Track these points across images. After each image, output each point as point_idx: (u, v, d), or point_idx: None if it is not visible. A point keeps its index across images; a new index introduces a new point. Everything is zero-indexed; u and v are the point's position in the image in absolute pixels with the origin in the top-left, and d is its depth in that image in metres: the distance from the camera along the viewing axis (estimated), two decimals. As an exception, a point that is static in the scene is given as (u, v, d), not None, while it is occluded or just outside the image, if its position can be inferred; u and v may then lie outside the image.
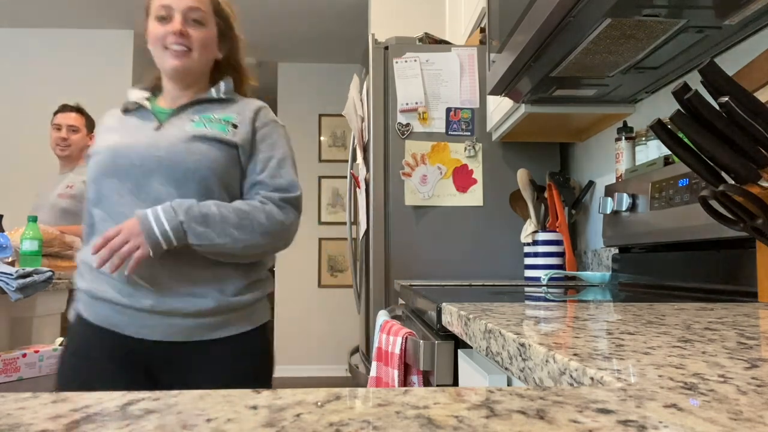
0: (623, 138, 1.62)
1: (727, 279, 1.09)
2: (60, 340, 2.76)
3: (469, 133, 2.13)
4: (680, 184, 1.22)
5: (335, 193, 5.16)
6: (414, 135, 2.11)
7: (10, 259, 2.56)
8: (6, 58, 4.60)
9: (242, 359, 1.25)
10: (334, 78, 5.21)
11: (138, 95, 1.34)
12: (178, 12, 1.26)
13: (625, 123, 1.64)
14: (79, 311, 1.24)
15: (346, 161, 4.96)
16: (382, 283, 2.08)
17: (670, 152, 1.27)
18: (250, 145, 1.27)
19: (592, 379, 0.34)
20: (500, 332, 0.53)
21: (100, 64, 4.59)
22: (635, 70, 1.38)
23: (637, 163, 1.56)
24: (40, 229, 2.18)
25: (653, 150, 1.49)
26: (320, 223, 5.14)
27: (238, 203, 1.21)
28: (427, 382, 1.00)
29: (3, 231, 2.31)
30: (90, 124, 2.82)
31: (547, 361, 0.41)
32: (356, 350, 2.60)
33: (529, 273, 1.96)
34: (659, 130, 0.78)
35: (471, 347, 0.84)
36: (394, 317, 1.47)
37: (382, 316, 1.42)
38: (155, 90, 1.37)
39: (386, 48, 2.15)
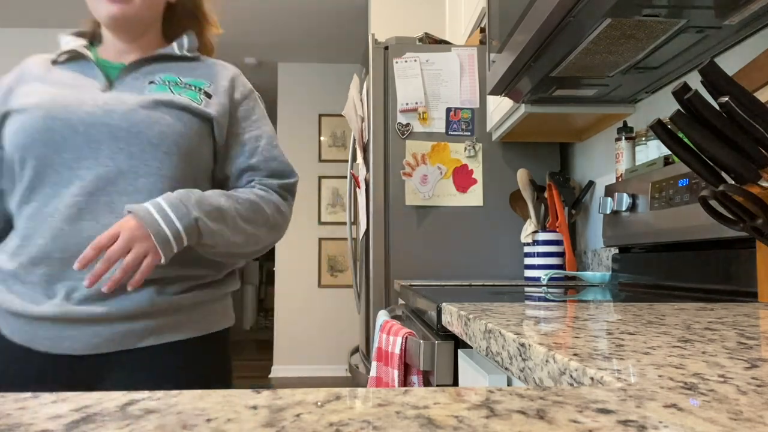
0: (623, 138, 1.62)
1: (727, 279, 1.09)
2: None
3: (469, 133, 2.13)
4: (680, 184, 1.22)
5: (335, 193, 5.16)
6: (414, 135, 2.11)
7: None
8: (7, 59, 4.60)
9: (187, 373, 1.00)
10: (334, 78, 5.21)
11: (74, 42, 1.07)
12: None
13: (625, 123, 1.64)
14: None
15: (346, 161, 4.96)
16: (382, 283, 2.08)
17: (670, 152, 1.27)
18: (227, 122, 1.07)
19: (592, 379, 0.34)
20: (500, 332, 0.53)
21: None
22: (635, 70, 1.38)
23: (637, 163, 1.56)
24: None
25: (653, 150, 1.49)
26: (320, 223, 5.14)
27: (244, 193, 1.03)
28: (427, 382, 1.00)
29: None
30: None
31: (547, 361, 0.41)
32: (356, 350, 2.60)
33: (529, 273, 1.96)
34: (659, 130, 0.78)
35: (471, 347, 0.84)
36: (394, 317, 1.47)
37: (382, 316, 1.42)
38: (94, 39, 1.11)
39: (386, 48, 2.15)
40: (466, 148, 2.11)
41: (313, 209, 5.14)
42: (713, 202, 0.78)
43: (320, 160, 5.18)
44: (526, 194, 1.99)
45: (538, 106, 1.70)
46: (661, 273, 1.33)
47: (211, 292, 1.05)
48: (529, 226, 1.97)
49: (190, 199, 0.94)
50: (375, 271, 2.08)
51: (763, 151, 0.70)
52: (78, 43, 1.07)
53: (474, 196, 2.11)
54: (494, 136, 2.08)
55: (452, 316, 0.78)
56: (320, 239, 5.12)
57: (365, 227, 2.24)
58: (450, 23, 3.23)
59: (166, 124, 0.99)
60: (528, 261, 1.96)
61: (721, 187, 0.72)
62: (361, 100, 2.42)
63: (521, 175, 2.00)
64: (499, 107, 1.92)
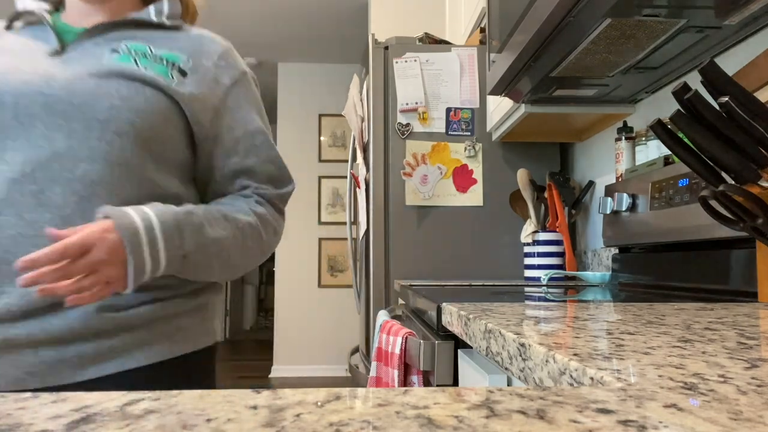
0: (623, 138, 1.62)
1: (727, 279, 1.09)
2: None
3: (469, 133, 2.13)
4: (680, 184, 1.22)
5: (335, 193, 5.16)
6: (414, 135, 2.11)
7: None
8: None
9: None
10: (334, 78, 5.21)
11: (32, 4, 0.89)
12: None
13: (625, 123, 1.64)
14: None
15: (346, 161, 4.96)
16: (382, 283, 2.08)
17: (670, 152, 1.27)
18: (212, 109, 0.87)
19: (592, 379, 0.34)
20: (500, 332, 0.53)
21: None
22: (635, 70, 1.38)
23: (637, 163, 1.56)
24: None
25: (653, 150, 1.49)
26: (320, 223, 5.14)
27: (245, 214, 0.86)
28: (427, 382, 1.00)
29: None
30: None
31: (547, 361, 0.41)
32: (356, 350, 2.60)
33: (529, 273, 1.96)
34: (659, 130, 0.78)
35: (471, 347, 0.84)
36: (394, 317, 1.47)
37: (382, 316, 1.42)
38: (60, 4, 0.94)
39: (386, 48, 2.15)
40: (466, 148, 2.11)
41: (313, 209, 5.14)
42: (713, 202, 0.78)
43: (320, 160, 5.18)
44: (526, 194, 1.99)
45: (538, 106, 1.70)
46: (661, 273, 1.33)
47: (180, 302, 0.84)
48: (529, 226, 1.97)
49: (187, 225, 0.77)
50: (375, 271, 2.08)
51: (763, 151, 0.70)
52: (37, 6, 0.88)
53: (474, 196, 2.11)
54: (494, 136, 2.08)
55: (452, 316, 0.78)
56: (320, 239, 5.12)
57: (365, 227, 2.24)
58: (450, 23, 3.23)
59: (121, 98, 0.78)
60: (528, 261, 1.96)
61: (721, 187, 0.72)
62: (361, 100, 2.42)
63: (521, 175, 2.00)
64: (499, 107, 1.92)
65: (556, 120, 1.84)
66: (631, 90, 1.57)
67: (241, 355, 6.29)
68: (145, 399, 0.28)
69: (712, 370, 0.34)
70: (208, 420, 0.24)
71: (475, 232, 2.11)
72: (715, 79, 0.70)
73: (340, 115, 5.13)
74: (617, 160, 1.64)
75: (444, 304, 0.87)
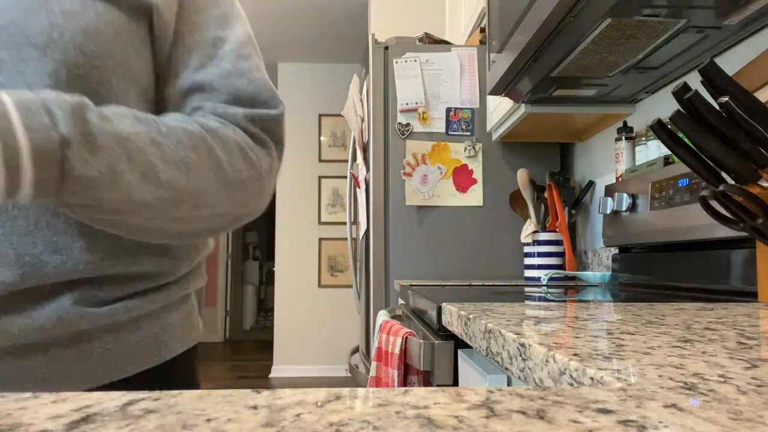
0: (623, 138, 1.62)
1: (727, 279, 1.09)
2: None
3: (469, 133, 2.13)
4: (680, 184, 1.22)
5: (335, 193, 5.16)
6: (414, 135, 2.11)
7: None
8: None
9: None
10: (334, 78, 5.21)
11: None
12: None
13: (625, 123, 1.64)
14: None
15: (346, 161, 4.96)
16: (382, 283, 2.08)
17: (670, 152, 1.27)
18: (174, 15, 0.67)
19: (592, 379, 0.34)
20: (500, 332, 0.53)
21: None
22: (635, 70, 1.38)
23: (637, 163, 1.56)
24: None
25: (653, 150, 1.49)
26: (320, 223, 5.14)
27: (173, 118, 0.62)
28: (427, 382, 1.00)
29: None
30: None
31: (547, 361, 0.41)
32: (356, 350, 2.60)
33: (529, 273, 1.96)
34: (659, 130, 0.78)
35: (471, 347, 0.84)
36: (394, 317, 1.47)
37: (382, 316, 1.42)
38: None
39: (386, 48, 2.15)
40: (466, 148, 2.11)
41: (313, 209, 5.14)
42: (713, 202, 0.78)
43: (320, 160, 5.18)
44: (526, 194, 1.99)
45: (538, 106, 1.70)
46: (661, 273, 1.33)
47: (166, 294, 0.69)
48: (529, 226, 1.97)
49: (61, 103, 0.51)
50: (375, 271, 2.08)
51: (763, 151, 0.70)
52: None
53: (474, 196, 2.11)
54: (494, 136, 2.08)
55: (452, 316, 0.78)
56: (320, 239, 5.12)
57: (365, 227, 2.24)
58: (450, 23, 3.23)
59: (63, 13, 0.59)
60: (528, 261, 1.96)
61: (721, 187, 0.72)
62: (361, 100, 2.42)
63: (521, 175, 2.00)
64: (499, 107, 1.92)
65: (556, 120, 1.84)
66: (631, 90, 1.57)
67: (241, 355, 6.30)
68: (145, 399, 0.28)
69: (712, 370, 0.34)
70: (208, 420, 0.24)
71: (475, 232, 2.11)
72: (715, 79, 0.70)
73: (340, 115, 5.13)
74: (617, 160, 1.64)
75: (444, 304, 0.87)
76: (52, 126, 0.50)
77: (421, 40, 2.30)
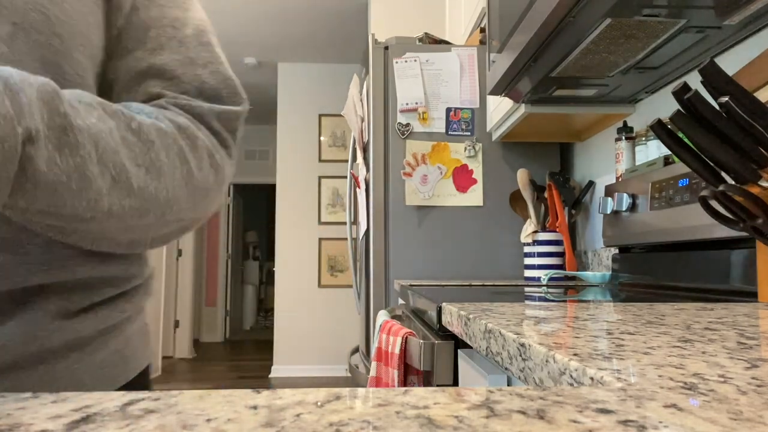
0: (623, 138, 1.62)
1: (727, 279, 1.09)
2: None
3: (469, 133, 2.13)
4: (680, 184, 1.22)
5: (335, 193, 5.16)
6: (414, 135, 2.11)
7: None
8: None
9: None
10: (334, 78, 5.22)
11: None
12: None
13: (625, 123, 1.64)
14: None
15: (346, 161, 4.96)
16: (382, 283, 2.08)
17: (670, 152, 1.27)
18: None
19: (592, 379, 0.34)
20: (500, 332, 0.53)
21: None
22: (635, 70, 1.38)
23: (637, 163, 1.56)
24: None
25: (653, 150, 1.49)
26: (320, 223, 5.14)
27: (138, 109, 0.54)
28: (427, 382, 1.00)
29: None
30: None
31: (547, 361, 0.41)
32: (356, 350, 2.60)
33: (529, 273, 1.96)
34: (659, 130, 0.78)
35: (471, 347, 0.84)
36: (394, 317, 1.47)
37: (382, 316, 1.42)
38: None
39: (386, 48, 2.15)
40: (466, 148, 2.11)
41: (313, 209, 5.14)
42: (713, 202, 0.78)
43: (320, 160, 5.18)
44: (526, 194, 1.99)
45: (538, 106, 1.70)
46: (661, 273, 1.33)
47: (125, 305, 0.61)
48: (529, 226, 1.97)
49: (29, 90, 0.43)
50: (375, 271, 2.08)
51: (763, 151, 0.70)
52: None
53: (474, 196, 2.11)
54: (494, 136, 2.08)
55: (452, 316, 0.78)
56: (320, 239, 5.12)
57: (365, 227, 2.24)
58: (450, 23, 3.23)
59: None
60: (528, 261, 1.96)
61: (721, 187, 0.72)
62: (361, 100, 2.42)
63: (521, 175, 2.00)
64: (499, 107, 1.92)
65: (556, 120, 1.84)
66: (631, 90, 1.57)
67: (241, 355, 6.30)
68: (145, 399, 0.28)
69: (712, 370, 0.34)
70: (208, 420, 0.24)
71: (475, 232, 2.11)
72: (715, 79, 0.70)
73: (340, 115, 5.13)
74: (617, 160, 1.64)
75: (444, 304, 0.87)
76: (15, 116, 0.41)
77: (421, 40, 2.30)
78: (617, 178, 1.63)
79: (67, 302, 0.54)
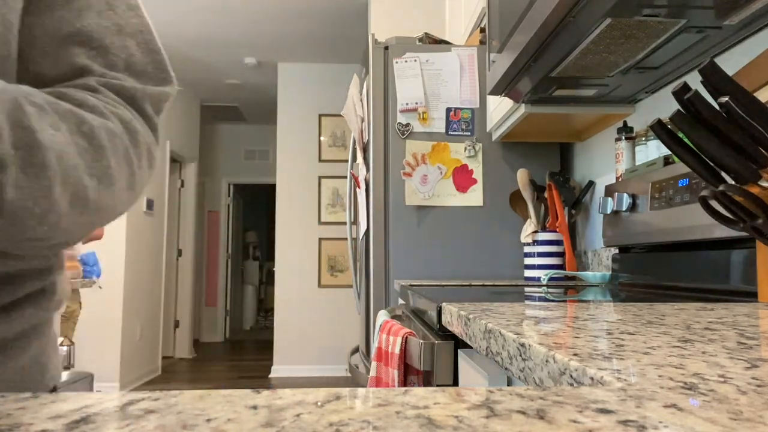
0: (623, 138, 1.62)
1: (727, 279, 1.09)
2: (60, 339, 2.76)
3: (469, 133, 2.13)
4: (680, 184, 1.22)
5: (335, 193, 5.16)
6: (414, 135, 2.11)
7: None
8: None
9: None
10: (334, 78, 5.22)
11: None
12: None
13: (625, 123, 1.64)
14: None
15: (346, 161, 4.96)
16: (382, 283, 2.08)
17: (670, 152, 1.27)
18: None
19: (592, 379, 0.34)
20: (500, 332, 0.53)
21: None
22: (635, 70, 1.38)
23: (637, 163, 1.56)
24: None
25: (653, 150, 1.49)
26: (320, 223, 5.14)
27: (79, 101, 0.48)
28: (427, 382, 1.00)
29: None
30: None
31: (547, 361, 0.41)
32: (356, 350, 2.60)
33: (529, 273, 1.96)
34: (659, 130, 0.78)
35: (471, 347, 0.84)
36: (394, 317, 1.47)
37: (382, 316, 1.42)
38: None
39: (386, 48, 2.15)
40: (466, 148, 2.11)
41: (313, 209, 5.14)
42: (713, 202, 0.78)
43: (320, 160, 5.18)
44: (526, 194, 1.99)
45: (538, 106, 1.70)
46: (661, 273, 1.33)
47: (54, 300, 0.56)
48: (529, 226, 1.97)
49: None
50: (375, 271, 2.08)
51: (763, 151, 0.70)
52: None
53: (474, 196, 2.11)
54: (494, 136, 2.08)
55: (452, 316, 0.78)
56: (320, 239, 5.12)
57: (365, 227, 2.24)
58: (450, 23, 3.23)
59: None
60: (528, 261, 1.96)
61: (721, 187, 0.72)
62: (361, 100, 2.42)
63: (521, 175, 2.00)
64: (499, 107, 1.92)
65: (556, 120, 1.84)
66: (631, 90, 1.57)
67: (241, 355, 6.30)
68: (145, 399, 0.28)
69: (712, 370, 0.34)
70: (208, 420, 0.24)
71: (475, 232, 2.11)
72: (715, 79, 0.70)
73: (340, 115, 5.13)
74: (617, 160, 1.64)
75: (444, 304, 0.86)
76: None
77: (421, 40, 2.30)
78: (617, 178, 1.63)
79: None
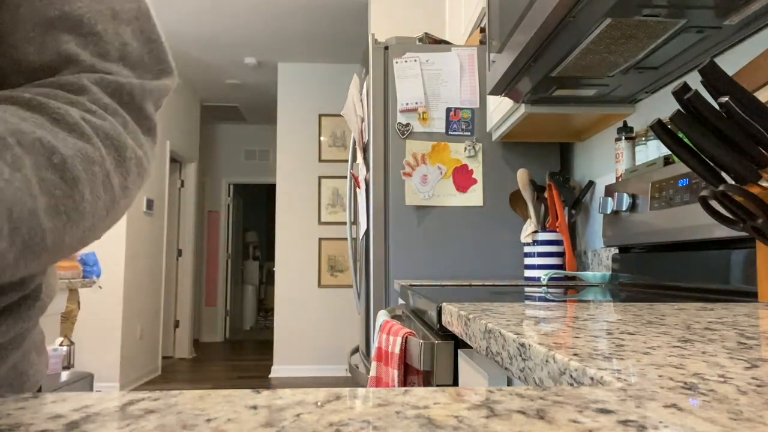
0: (623, 138, 1.62)
1: (727, 279, 1.09)
2: (60, 339, 2.76)
3: (469, 133, 2.13)
4: (680, 184, 1.22)
5: (335, 193, 5.16)
6: (414, 135, 2.11)
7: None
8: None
9: None
10: (334, 78, 5.22)
11: None
12: None
13: (625, 123, 1.64)
14: None
15: (346, 161, 4.97)
16: (382, 283, 2.08)
17: (670, 152, 1.27)
18: None
19: (592, 379, 0.34)
20: (500, 332, 0.53)
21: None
22: (635, 70, 1.38)
23: (637, 163, 1.56)
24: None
25: (653, 150, 1.49)
26: (320, 223, 5.14)
27: (56, 113, 0.42)
28: (427, 382, 1.00)
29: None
30: None
31: (547, 361, 0.41)
32: (356, 350, 2.60)
33: (529, 273, 1.96)
34: (659, 130, 0.78)
35: (471, 347, 0.84)
36: (394, 317, 1.47)
37: (382, 316, 1.42)
38: None
39: (386, 48, 2.15)
40: (466, 148, 2.11)
41: (313, 209, 5.14)
42: (713, 202, 0.78)
43: (320, 160, 5.18)
44: (526, 194, 1.99)
45: (538, 106, 1.70)
46: (661, 273, 1.33)
47: (37, 307, 0.52)
48: (529, 226, 1.97)
49: None
50: (375, 271, 2.08)
51: (763, 151, 0.70)
52: None
53: (474, 196, 2.11)
54: (494, 136, 2.08)
55: (452, 316, 0.78)
56: (320, 239, 5.12)
57: (365, 227, 2.24)
58: (450, 23, 3.23)
59: None
60: (528, 261, 1.96)
61: (721, 187, 0.72)
62: (361, 100, 2.42)
63: (521, 175, 2.00)
64: (499, 107, 1.92)
65: (556, 120, 1.84)
66: (631, 90, 1.57)
67: (241, 355, 6.30)
68: (145, 399, 0.28)
69: (712, 370, 0.34)
70: (208, 420, 0.24)
71: (475, 232, 2.11)
72: (715, 79, 0.70)
73: (340, 115, 5.13)
74: (617, 160, 1.64)
75: (444, 304, 0.86)
76: None
77: (421, 40, 2.30)
78: (617, 178, 1.63)
79: None
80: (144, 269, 4.88)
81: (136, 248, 4.67)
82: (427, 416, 0.25)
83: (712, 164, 0.76)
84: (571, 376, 0.36)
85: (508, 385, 0.68)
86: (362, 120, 2.37)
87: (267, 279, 9.63)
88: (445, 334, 0.94)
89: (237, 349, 6.73)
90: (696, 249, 1.21)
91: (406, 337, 1.07)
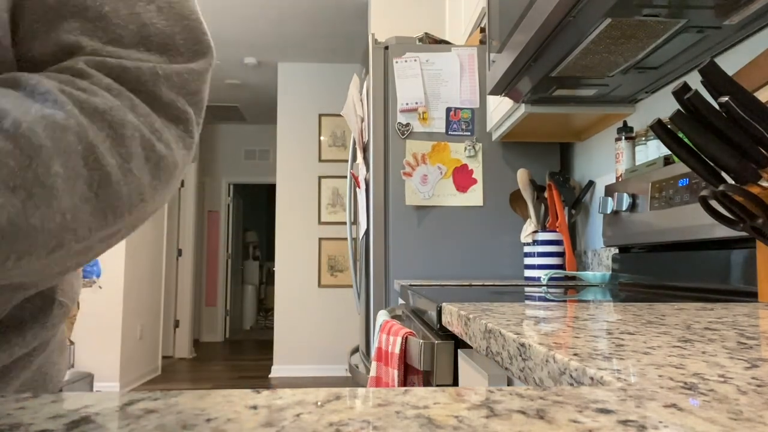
0: (623, 138, 1.62)
1: (727, 279, 1.09)
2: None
3: (469, 133, 2.13)
4: (680, 184, 1.22)
5: (335, 193, 5.16)
6: (414, 135, 2.11)
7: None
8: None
9: None
10: (334, 78, 5.22)
11: None
12: None
13: (625, 123, 1.64)
14: None
15: (346, 161, 4.97)
16: (382, 283, 2.08)
17: (670, 152, 1.27)
18: None
19: (592, 379, 0.34)
20: (500, 332, 0.53)
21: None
22: (635, 70, 1.38)
23: (637, 163, 1.56)
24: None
25: (653, 150, 1.49)
26: (320, 223, 5.14)
27: (29, 91, 0.37)
28: (427, 382, 1.00)
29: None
30: None
31: (547, 361, 0.41)
32: (356, 350, 2.60)
33: (529, 273, 1.96)
34: (659, 130, 0.78)
35: (471, 347, 0.84)
36: (394, 317, 1.47)
37: (382, 316, 1.42)
38: None
39: (386, 48, 2.15)
40: (466, 148, 2.11)
41: (313, 209, 5.14)
42: (713, 202, 0.78)
43: (320, 160, 5.18)
44: (526, 194, 1.99)
45: (538, 106, 1.70)
46: (661, 273, 1.33)
47: (55, 323, 0.50)
48: (529, 226, 1.97)
49: None
50: (375, 271, 2.08)
51: (763, 151, 0.70)
52: None
53: (474, 196, 2.11)
54: (494, 136, 2.08)
55: (452, 316, 0.78)
56: (320, 239, 5.12)
57: (365, 227, 2.24)
58: (450, 23, 3.23)
59: None
60: (528, 261, 1.96)
61: (721, 187, 0.72)
62: (361, 100, 2.42)
63: (521, 175, 2.00)
64: (499, 107, 1.92)
65: (556, 120, 1.84)
66: (631, 90, 1.57)
67: (241, 355, 6.29)
68: (145, 399, 0.28)
69: (712, 370, 0.34)
70: (208, 420, 0.24)
71: (475, 232, 2.11)
72: (715, 79, 0.70)
73: (340, 115, 5.13)
74: (617, 160, 1.64)
75: (444, 304, 0.86)
76: None
77: (421, 40, 2.30)
78: (617, 178, 1.63)
79: None
80: (144, 269, 4.88)
81: (136, 248, 4.67)
82: (427, 416, 0.25)
83: (712, 164, 0.76)
84: (571, 376, 0.36)
85: (508, 385, 0.68)
86: (362, 120, 2.37)
87: (267, 279, 9.63)
88: (445, 334, 0.94)
89: (237, 349, 6.73)
90: (696, 249, 1.21)
91: (406, 337, 1.07)
